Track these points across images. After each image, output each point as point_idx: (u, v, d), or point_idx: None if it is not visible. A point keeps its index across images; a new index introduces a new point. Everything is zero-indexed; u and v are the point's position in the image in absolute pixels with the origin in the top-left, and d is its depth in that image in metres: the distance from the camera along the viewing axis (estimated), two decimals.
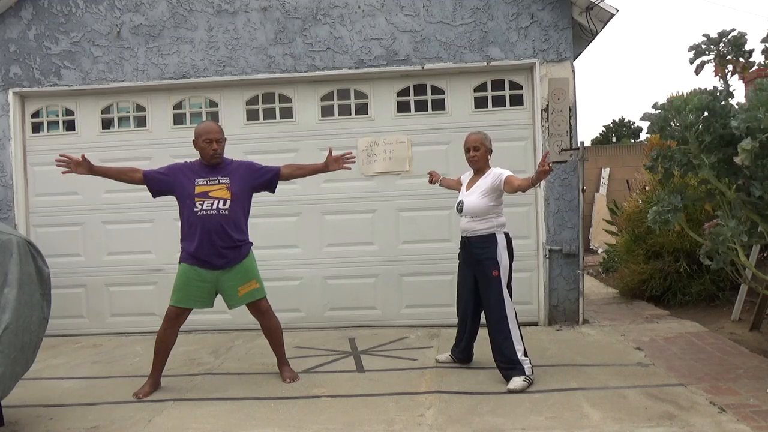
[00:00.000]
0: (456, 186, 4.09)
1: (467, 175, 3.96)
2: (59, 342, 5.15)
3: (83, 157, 3.56)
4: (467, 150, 3.81)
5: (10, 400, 3.26)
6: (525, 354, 3.58)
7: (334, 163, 3.84)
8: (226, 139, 3.75)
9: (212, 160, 3.66)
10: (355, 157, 3.93)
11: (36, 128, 5.62)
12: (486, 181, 3.71)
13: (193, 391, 3.69)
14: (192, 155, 3.81)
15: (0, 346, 2.73)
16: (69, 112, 5.59)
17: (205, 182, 3.64)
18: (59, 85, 5.43)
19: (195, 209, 3.59)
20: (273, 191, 3.91)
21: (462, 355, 3.99)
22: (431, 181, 4.28)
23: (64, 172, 3.59)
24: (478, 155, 3.76)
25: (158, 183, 3.69)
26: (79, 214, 5.51)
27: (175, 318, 3.65)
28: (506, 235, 3.71)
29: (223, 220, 3.59)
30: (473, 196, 3.71)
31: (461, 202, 3.77)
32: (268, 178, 3.82)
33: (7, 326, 2.76)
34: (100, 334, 5.41)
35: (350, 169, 3.96)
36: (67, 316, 5.41)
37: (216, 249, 3.59)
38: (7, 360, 2.77)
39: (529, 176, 3.60)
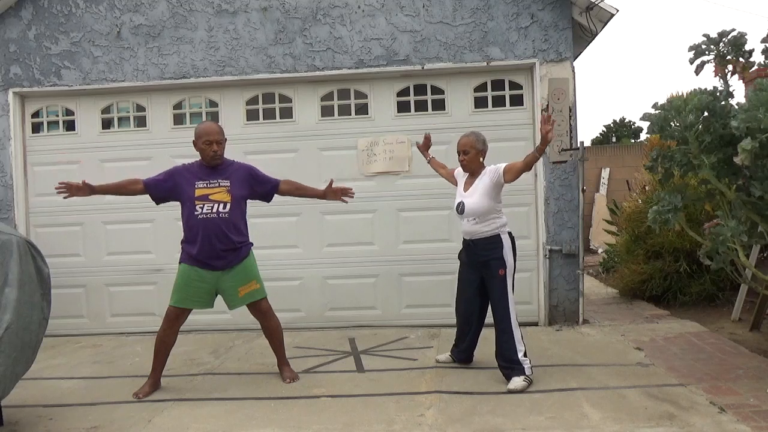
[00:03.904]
0: (447, 176, 4.05)
1: (462, 173, 3.89)
2: (59, 342, 5.15)
3: (84, 182, 3.54)
4: (458, 153, 3.78)
5: (10, 400, 3.25)
6: (525, 354, 3.58)
7: (332, 194, 3.89)
8: (226, 139, 3.75)
9: (212, 161, 3.66)
10: (354, 193, 3.97)
11: (36, 128, 5.62)
12: (484, 180, 3.67)
13: (193, 391, 3.69)
14: (192, 155, 3.81)
15: (0, 346, 2.73)
16: (69, 112, 5.59)
17: (205, 185, 3.64)
18: (59, 85, 5.43)
19: (195, 212, 3.59)
20: (268, 201, 3.94)
21: (462, 355, 3.98)
22: (423, 145, 4.20)
23: (65, 197, 3.55)
24: (468, 159, 3.72)
25: (159, 190, 3.70)
26: (79, 214, 5.50)
27: (175, 318, 3.65)
28: (510, 234, 3.70)
29: (223, 223, 3.60)
30: (474, 197, 3.67)
31: (461, 204, 3.72)
32: (266, 190, 3.84)
33: (8, 326, 2.76)
34: (100, 334, 5.41)
35: (347, 203, 4.01)
36: (67, 316, 5.41)
37: (216, 251, 3.59)
38: (8, 360, 2.77)
39: (528, 153, 3.55)
